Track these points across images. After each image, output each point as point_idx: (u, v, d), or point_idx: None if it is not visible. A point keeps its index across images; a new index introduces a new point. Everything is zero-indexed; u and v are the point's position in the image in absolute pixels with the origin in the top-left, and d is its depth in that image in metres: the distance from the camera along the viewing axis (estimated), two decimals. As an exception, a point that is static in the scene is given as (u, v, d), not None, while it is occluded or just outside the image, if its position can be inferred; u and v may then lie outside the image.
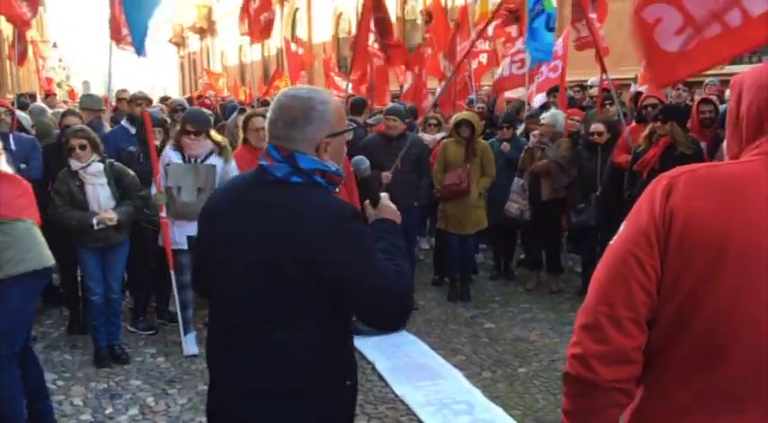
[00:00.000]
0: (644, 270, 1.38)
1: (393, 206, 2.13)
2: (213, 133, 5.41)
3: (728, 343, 1.34)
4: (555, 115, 7.07)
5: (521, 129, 7.82)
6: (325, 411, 1.95)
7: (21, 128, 6.33)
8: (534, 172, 6.66)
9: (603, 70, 7.00)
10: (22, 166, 5.39)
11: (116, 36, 9.09)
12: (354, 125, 2.12)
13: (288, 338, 1.90)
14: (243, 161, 5.26)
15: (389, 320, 1.98)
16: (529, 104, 8.50)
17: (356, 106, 7.88)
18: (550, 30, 8.32)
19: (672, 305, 1.38)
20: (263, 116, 5.59)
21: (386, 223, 2.09)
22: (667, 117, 5.57)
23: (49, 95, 13.77)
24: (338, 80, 11.77)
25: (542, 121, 6.93)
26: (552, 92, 9.28)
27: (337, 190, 6.02)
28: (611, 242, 1.48)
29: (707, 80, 9.41)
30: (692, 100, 7.76)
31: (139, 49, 8.44)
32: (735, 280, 1.32)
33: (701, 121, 6.20)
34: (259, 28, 11.22)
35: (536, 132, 6.81)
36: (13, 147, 5.45)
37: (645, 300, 1.39)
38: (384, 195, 2.15)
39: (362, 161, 2.15)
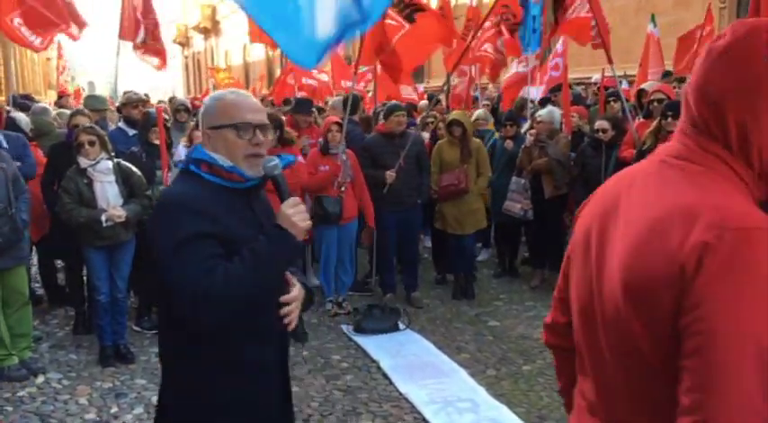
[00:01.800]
0: (566, 261, 1.61)
1: (292, 212, 2.01)
2: None
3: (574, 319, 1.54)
4: (552, 112, 7.07)
5: (526, 126, 7.80)
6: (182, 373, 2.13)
7: (16, 128, 6.33)
8: (534, 170, 6.66)
9: (610, 62, 6.96)
10: (17, 164, 5.39)
11: (126, 35, 9.10)
12: (233, 123, 2.09)
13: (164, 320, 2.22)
14: None
15: (180, 311, 1.93)
16: (531, 101, 8.48)
17: (350, 104, 7.72)
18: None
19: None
20: (269, 117, 5.64)
21: (272, 229, 2.01)
22: (678, 113, 5.55)
23: (62, 96, 13.76)
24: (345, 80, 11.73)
25: (539, 119, 6.91)
26: (554, 90, 9.26)
27: (343, 189, 5.99)
28: None
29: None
30: None
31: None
32: (572, 267, 1.53)
33: None
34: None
35: (532, 131, 6.79)
36: (4, 144, 5.45)
37: (564, 285, 1.62)
38: (291, 200, 2.04)
39: (270, 160, 2.10)
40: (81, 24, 9.25)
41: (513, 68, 9.57)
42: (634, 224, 1.30)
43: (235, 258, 1.92)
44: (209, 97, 2.22)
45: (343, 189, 5.93)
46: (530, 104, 8.26)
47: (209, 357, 2.04)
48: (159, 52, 9.92)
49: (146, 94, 11.83)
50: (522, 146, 6.79)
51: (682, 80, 9.43)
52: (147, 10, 9.44)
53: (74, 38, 9.34)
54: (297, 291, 2.15)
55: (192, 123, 6.69)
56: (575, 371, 1.58)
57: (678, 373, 1.18)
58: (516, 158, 6.93)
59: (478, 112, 8.56)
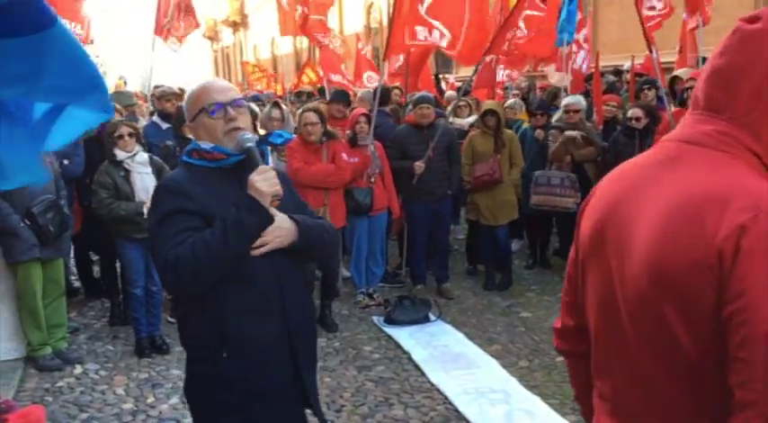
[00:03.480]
0: (571, 264, 1.59)
1: (257, 179, 2.10)
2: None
3: (591, 321, 1.49)
4: (577, 99, 7.01)
5: (557, 115, 7.71)
6: (199, 376, 2.24)
7: None
8: (582, 160, 6.57)
9: (650, 50, 6.83)
10: (65, 161, 5.51)
11: (161, 31, 9.23)
12: (211, 105, 2.17)
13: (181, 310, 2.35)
14: (298, 154, 5.39)
15: (165, 284, 2.23)
16: (565, 90, 8.37)
17: (380, 95, 7.67)
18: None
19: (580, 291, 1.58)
20: (315, 111, 5.67)
21: (243, 199, 2.10)
22: None
23: None
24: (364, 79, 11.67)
25: (574, 107, 6.76)
26: (587, 79, 9.13)
27: (373, 181, 5.98)
28: None
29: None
30: None
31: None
32: (582, 267, 1.50)
33: None
34: (294, 22, 11.08)
35: (573, 133, 6.60)
36: None
37: (571, 288, 1.59)
38: (259, 169, 2.12)
39: (244, 134, 2.20)
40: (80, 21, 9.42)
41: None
42: (660, 213, 1.26)
43: (212, 229, 2.06)
44: (184, 98, 2.39)
45: (372, 180, 5.94)
46: (563, 93, 8.16)
47: (207, 331, 2.17)
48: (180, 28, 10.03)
49: (180, 89, 11.93)
50: (561, 140, 6.63)
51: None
52: (188, 10, 9.60)
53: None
54: (277, 222, 2.17)
55: None
56: (589, 376, 1.54)
57: (724, 365, 1.16)
58: (547, 148, 6.85)
59: (510, 101, 8.48)
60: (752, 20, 1.27)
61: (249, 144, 2.18)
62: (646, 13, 7.92)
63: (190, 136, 5.55)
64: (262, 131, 5.55)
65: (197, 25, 10.58)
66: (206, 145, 2.20)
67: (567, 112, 6.78)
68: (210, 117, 2.19)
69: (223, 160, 2.19)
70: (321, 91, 11.34)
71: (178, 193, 2.12)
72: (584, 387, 1.61)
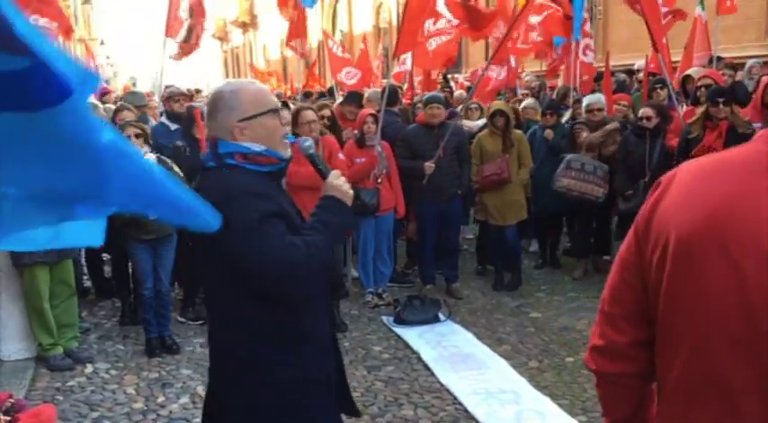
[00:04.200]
0: (628, 269, 1.41)
1: (340, 183, 2.19)
2: None
3: (677, 340, 1.30)
4: (598, 97, 6.98)
5: (567, 114, 7.69)
6: (276, 380, 2.09)
7: None
8: (607, 156, 6.55)
9: (656, 50, 6.79)
10: None
11: (173, 34, 9.27)
12: (275, 107, 2.18)
13: (231, 311, 2.11)
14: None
15: (273, 289, 2.02)
16: (575, 89, 8.34)
17: (388, 95, 7.63)
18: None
19: (651, 302, 1.37)
20: (312, 109, 5.64)
21: (326, 199, 2.17)
22: (729, 99, 5.44)
23: (105, 93, 13.98)
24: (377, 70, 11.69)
25: (594, 107, 6.72)
26: (597, 79, 9.11)
27: (380, 181, 5.97)
28: None
29: (750, 62, 9.14)
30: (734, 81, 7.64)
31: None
32: (674, 277, 1.28)
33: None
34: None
35: (615, 125, 6.59)
36: None
37: (632, 297, 1.40)
38: (334, 173, 2.20)
39: (304, 140, 2.26)
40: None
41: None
42: None
43: (305, 232, 2.04)
44: (224, 91, 2.16)
45: (379, 180, 5.94)
46: (572, 93, 8.14)
47: (283, 331, 2.09)
48: (190, 50, 10.13)
49: (189, 90, 12.00)
50: (604, 129, 6.56)
51: (732, 67, 9.15)
52: (199, 12, 9.63)
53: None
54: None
55: None
56: (637, 399, 1.44)
57: None
58: (557, 148, 6.83)
59: (528, 101, 8.43)
60: None
61: (312, 150, 2.22)
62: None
63: (198, 136, 5.60)
64: None
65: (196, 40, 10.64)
66: (257, 147, 2.09)
67: (589, 111, 6.73)
68: (276, 119, 2.16)
69: (275, 165, 2.14)
70: (330, 91, 11.35)
71: (266, 197, 2.06)
72: (626, 413, 1.49)
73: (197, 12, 9.79)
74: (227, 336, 2.15)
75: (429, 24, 7.38)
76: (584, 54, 8.90)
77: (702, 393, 1.26)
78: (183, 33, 9.80)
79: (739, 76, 8.70)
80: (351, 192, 2.18)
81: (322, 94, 11.56)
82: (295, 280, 2.00)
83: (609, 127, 6.56)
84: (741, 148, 1.31)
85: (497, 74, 10.12)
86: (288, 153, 2.18)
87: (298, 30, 11.23)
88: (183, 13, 9.70)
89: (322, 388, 2.17)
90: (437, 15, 6.86)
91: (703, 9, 9.35)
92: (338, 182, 2.17)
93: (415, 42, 7.32)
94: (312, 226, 2.08)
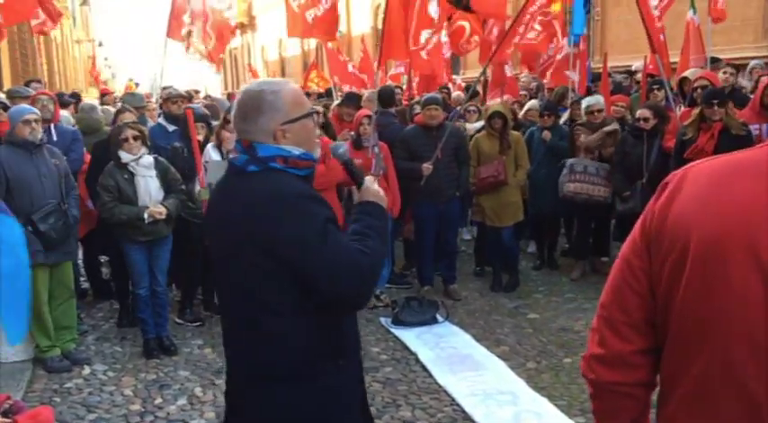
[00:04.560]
0: (633, 273, 1.35)
1: (376, 188, 2.17)
2: None
3: (695, 347, 1.26)
4: (597, 99, 6.99)
5: (565, 116, 7.69)
6: (311, 390, 1.99)
7: None
8: (607, 157, 6.55)
9: (653, 52, 6.80)
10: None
11: (174, 35, 9.28)
12: (314, 110, 2.15)
13: (266, 323, 1.97)
14: None
15: (344, 297, 1.97)
16: (573, 90, 8.35)
17: (384, 97, 7.55)
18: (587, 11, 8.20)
19: (659, 308, 1.33)
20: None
21: (366, 205, 2.13)
22: (723, 100, 5.45)
23: (105, 95, 14.01)
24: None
25: (594, 108, 6.72)
26: (594, 79, 9.12)
27: (381, 178, 5.78)
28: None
29: (752, 63, 9.15)
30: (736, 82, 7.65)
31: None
32: (694, 282, 1.23)
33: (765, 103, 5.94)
34: (306, 25, 10.90)
35: (614, 126, 6.62)
36: (54, 137, 5.60)
37: (638, 303, 1.35)
38: (368, 178, 2.19)
39: (339, 146, 2.22)
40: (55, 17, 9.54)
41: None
42: None
43: (357, 237, 2.01)
44: (265, 92, 2.02)
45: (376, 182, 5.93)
46: (570, 94, 8.14)
47: (321, 342, 2.01)
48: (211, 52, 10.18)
49: (194, 91, 12.00)
50: (602, 131, 6.57)
51: (735, 67, 9.16)
52: (196, 15, 9.65)
53: (45, 33, 9.66)
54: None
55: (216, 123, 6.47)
56: (639, 409, 1.40)
57: None
58: (555, 149, 6.84)
59: (531, 102, 8.43)
60: None
61: (347, 157, 2.21)
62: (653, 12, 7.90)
63: (199, 138, 5.59)
64: None
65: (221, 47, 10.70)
66: (297, 151, 2.01)
67: (590, 112, 6.74)
68: (312, 121, 2.11)
69: (310, 168, 2.08)
70: (329, 92, 11.34)
71: (320, 201, 2.00)
72: None
73: (199, 16, 9.81)
74: (264, 349, 1.99)
75: (426, 34, 7.45)
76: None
77: (723, 401, 1.22)
78: (186, 29, 9.85)
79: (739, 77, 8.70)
80: (385, 196, 2.16)
81: (320, 95, 11.56)
82: (367, 287, 2.01)
83: (606, 129, 6.57)
84: (755, 150, 1.27)
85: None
86: (318, 154, 2.13)
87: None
88: (187, 18, 9.74)
89: (354, 400, 2.14)
90: (431, 25, 6.89)
91: (695, 13, 9.36)
92: (375, 187, 2.16)
93: (404, 51, 7.38)
94: (362, 232, 2.03)
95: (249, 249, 1.93)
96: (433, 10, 7.55)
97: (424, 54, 8.34)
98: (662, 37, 8.04)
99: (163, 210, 4.97)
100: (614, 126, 6.61)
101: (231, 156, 5.44)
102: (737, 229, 1.18)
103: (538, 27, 8.84)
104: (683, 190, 1.29)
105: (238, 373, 2.10)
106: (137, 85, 20.92)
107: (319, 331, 2.00)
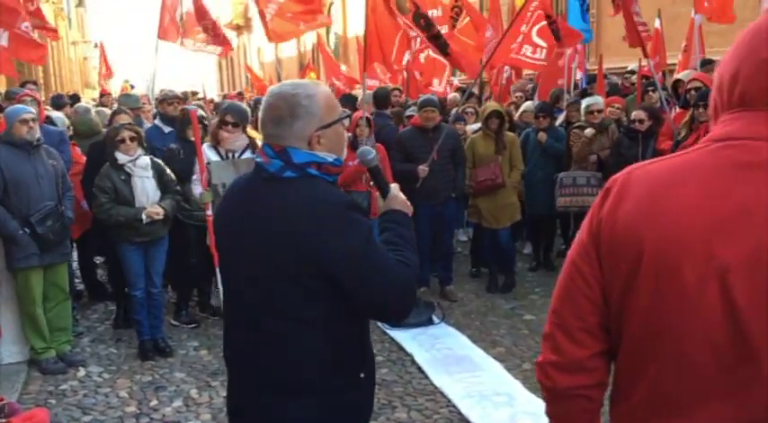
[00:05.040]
0: (585, 280, 1.36)
1: (402, 197, 2.11)
2: (249, 129, 5.48)
3: (653, 355, 1.28)
4: (597, 99, 7.01)
5: (561, 118, 7.71)
6: (338, 404, 1.95)
7: (52, 124, 6.46)
8: (605, 160, 6.56)
9: (645, 55, 6.83)
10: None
11: (165, 35, 9.26)
12: (348, 113, 2.11)
13: (292, 333, 1.90)
14: None
15: (390, 309, 1.96)
16: (569, 92, 8.37)
17: (380, 99, 7.58)
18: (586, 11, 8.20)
19: (613, 314, 1.35)
20: None
21: (394, 214, 2.08)
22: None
23: (104, 95, 14.01)
24: (378, 71, 11.68)
25: (594, 108, 6.73)
26: (590, 81, 9.14)
27: (372, 183, 5.90)
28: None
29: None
30: None
31: None
32: (649, 291, 1.25)
33: None
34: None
35: (590, 131, 6.64)
36: (43, 139, 5.57)
37: (592, 309, 1.36)
38: (394, 186, 2.12)
39: (369, 152, 2.12)
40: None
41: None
42: None
43: (392, 247, 1.96)
44: (299, 95, 1.93)
45: (371, 183, 5.92)
46: (566, 96, 8.16)
47: (352, 354, 2.00)
48: (223, 42, 10.17)
49: (192, 93, 11.97)
50: (583, 138, 6.61)
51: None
52: (201, 14, 9.63)
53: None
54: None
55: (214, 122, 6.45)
56: (595, 410, 1.42)
57: None
58: (550, 151, 6.85)
59: (527, 104, 8.45)
60: None
61: (375, 162, 2.12)
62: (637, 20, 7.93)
63: (193, 139, 5.58)
64: (256, 134, 5.55)
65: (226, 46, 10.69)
66: (330, 157, 1.95)
67: (589, 112, 6.75)
68: (344, 126, 2.08)
69: (338, 174, 2.02)
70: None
71: (361, 209, 2.00)
72: None
73: (198, 15, 9.77)
74: (293, 362, 1.91)
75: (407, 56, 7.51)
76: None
77: (685, 401, 1.25)
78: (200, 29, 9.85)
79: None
80: (410, 205, 2.11)
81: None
82: (411, 299, 1.97)
83: (586, 136, 6.57)
84: (693, 153, 1.29)
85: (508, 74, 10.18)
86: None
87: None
88: (180, 19, 9.73)
89: (369, 415, 2.12)
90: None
91: (696, 12, 9.40)
92: (401, 196, 2.10)
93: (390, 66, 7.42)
94: (395, 242, 1.99)
95: (286, 259, 1.85)
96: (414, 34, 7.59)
97: (422, 58, 8.36)
98: (646, 34, 8.04)
99: (160, 210, 4.97)
100: (590, 131, 6.59)
101: (243, 157, 5.35)
102: (688, 234, 1.20)
103: (539, 41, 8.85)
104: (627, 196, 1.30)
105: (256, 386, 1.98)
106: (132, 86, 20.82)
107: (348, 344, 1.97)
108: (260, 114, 1.98)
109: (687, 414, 1.25)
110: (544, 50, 7.35)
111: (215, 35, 10.05)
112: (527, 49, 8.57)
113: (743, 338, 1.17)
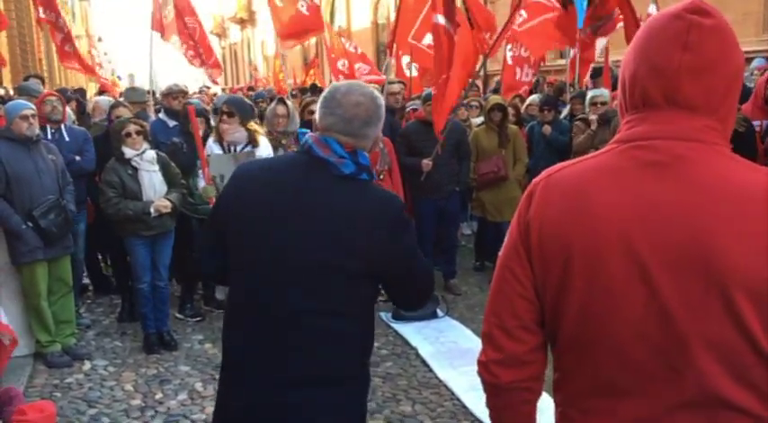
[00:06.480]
0: (519, 280, 1.43)
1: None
2: (251, 123, 5.49)
3: (591, 348, 1.35)
4: (602, 91, 6.99)
5: (565, 111, 7.68)
6: (360, 392, 2.08)
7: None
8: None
9: None
10: (77, 158, 5.54)
11: (159, 28, 9.25)
12: None
13: (338, 326, 1.93)
14: None
15: (422, 299, 2.22)
16: (572, 86, 8.34)
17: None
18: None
19: (547, 310, 1.42)
20: (284, 103, 5.71)
21: None
22: None
23: (104, 92, 13.98)
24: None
25: (598, 100, 6.69)
26: (595, 75, 9.10)
27: (381, 177, 5.87)
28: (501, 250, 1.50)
29: (754, 62, 9.13)
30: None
31: None
32: (581, 289, 1.33)
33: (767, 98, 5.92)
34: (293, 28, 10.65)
35: (592, 118, 6.61)
36: (66, 138, 5.60)
37: (527, 307, 1.43)
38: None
39: (386, 154, 2.23)
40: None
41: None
42: (725, 212, 1.22)
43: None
44: (377, 98, 2.00)
45: (381, 176, 5.92)
46: (569, 88, 8.13)
47: (370, 346, 2.13)
48: (213, 64, 10.18)
49: (206, 87, 11.93)
50: (588, 131, 6.55)
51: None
52: (183, 10, 9.61)
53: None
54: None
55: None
56: (535, 401, 1.49)
57: None
58: (554, 144, 6.83)
59: (533, 97, 8.43)
60: (702, 14, 1.27)
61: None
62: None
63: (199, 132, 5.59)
64: (259, 128, 5.57)
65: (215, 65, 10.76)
66: (367, 160, 2.01)
67: (593, 104, 6.71)
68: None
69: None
70: (303, 90, 11.34)
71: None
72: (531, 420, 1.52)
73: (181, 11, 9.77)
74: (329, 350, 1.93)
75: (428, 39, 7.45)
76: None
77: (625, 386, 1.32)
78: (175, 38, 9.83)
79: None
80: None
81: (321, 90, 11.56)
82: (432, 290, 2.23)
83: (590, 130, 6.53)
84: (603, 155, 1.37)
85: (524, 74, 10.10)
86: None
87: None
88: (169, 14, 9.74)
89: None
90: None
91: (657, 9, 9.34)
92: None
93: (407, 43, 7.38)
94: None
95: (351, 257, 1.88)
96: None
97: (426, 47, 8.29)
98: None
99: (168, 203, 4.98)
100: (594, 117, 6.54)
101: (261, 149, 5.37)
102: (608, 230, 1.28)
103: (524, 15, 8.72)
104: (550, 200, 1.37)
105: (284, 380, 1.92)
106: (119, 78, 20.83)
107: (370, 333, 2.09)
108: (340, 109, 1.95)
109: (627, 397, 1.32)
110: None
111: (205, 57, 10.13)
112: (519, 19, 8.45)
113: (671, 326, 1.25)
